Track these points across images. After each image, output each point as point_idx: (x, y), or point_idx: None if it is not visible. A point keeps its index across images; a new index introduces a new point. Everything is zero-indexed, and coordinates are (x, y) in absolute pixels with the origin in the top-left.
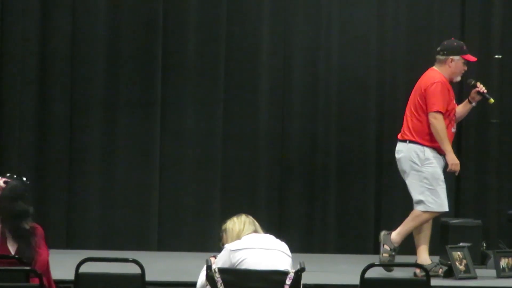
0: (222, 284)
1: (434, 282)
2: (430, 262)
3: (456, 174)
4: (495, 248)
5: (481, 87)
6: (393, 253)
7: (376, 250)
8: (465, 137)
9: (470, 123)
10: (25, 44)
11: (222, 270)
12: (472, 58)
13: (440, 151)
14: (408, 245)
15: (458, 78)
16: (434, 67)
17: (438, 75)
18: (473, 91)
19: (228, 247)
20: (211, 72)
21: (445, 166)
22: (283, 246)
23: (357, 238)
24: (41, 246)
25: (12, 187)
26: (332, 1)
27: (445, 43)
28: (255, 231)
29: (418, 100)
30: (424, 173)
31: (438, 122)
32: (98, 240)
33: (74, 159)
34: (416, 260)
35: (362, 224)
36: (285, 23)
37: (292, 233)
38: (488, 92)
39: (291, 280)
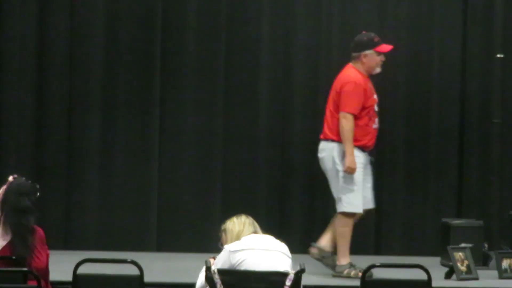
0: (221, 285)
1: (435, 282)
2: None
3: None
4: (497, 249)
5: None
6: (358, 267)
7: (376, 250)
8: (467, 137)
9: (472, 123)
10: (23, 45)
11: (221, 271)
12: (385, 49)
13: (363, 148)
14: (408, 245)
15: (378, 70)
16: (350, 64)
17: (354, 73)
18: None
19: (227, 248)
20: (211, 72)
21: (369, 162)
22: (283, 247)
23: (357, 238)
24: (40, 250)
25: (21, 182)
26: (333, 0)
27: (356, 39)
28: (255, 232)
29: (335, 100)
30: (343, 172)
31: (346, 122)
32: (96, 241)
33: (72, 159)
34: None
35: (362, 224)
36: (285, 23)
37: (292, 233)
38: None
39: (291, 281)
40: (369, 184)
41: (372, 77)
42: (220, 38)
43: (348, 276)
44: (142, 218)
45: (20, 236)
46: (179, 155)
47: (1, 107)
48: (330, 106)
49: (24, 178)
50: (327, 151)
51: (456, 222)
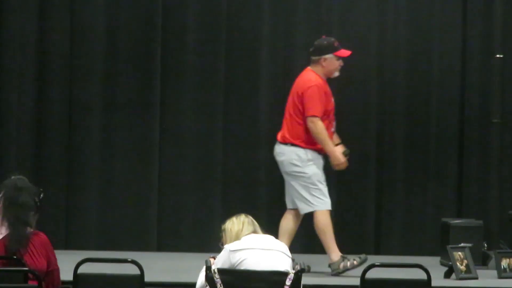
0: (221, 285)
1: (435, 282)
2: None
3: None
4: (496, 249)
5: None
6: (346, 258)
7: (377, 250)
8: (466, 137)
9: (472, 122)
10: (23, 44)
11: (221, 271)
12: (344, 53)
13: (320, 151)
14: (407, 245)
15: (336, 74)
16: (309, 67)
17: (314, 76)
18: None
19: (227, 247)
20: (211, 72)
21: (325, 165)
22: (283, 247)
23: (357, 238)
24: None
25: (22, 178)
26: (333, 1)
27: (316, 43)
28: (254, 231)
29: (296, 103)
30: (308, 173)
31: (315, 126)
32: (97, 241)
33: (73, 159)
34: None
35: (362, 224)
36: (285, 23)
37: None
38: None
39: (291, 281)
40: None
41: (372, 78)
42: (220, 38)
43: (346, 269)
44: (142, 218)
45: (15, 229)
46: (180, 155)
47: (1, 107)
48: (290, 109)
49: (26, 178)
50: (287, 155)
51: (456, 221)
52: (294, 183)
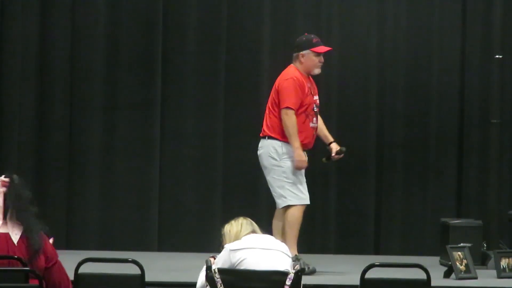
0: (222, 285)
1: (434, 282)
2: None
3: (303, 168)
4: (495, 248)
5: (335, 157)
6: (300, 260)
7: (376, 250)
8: (466, 137)
9: (471, 123)
10: (24, 44)
11: (221, 271)
12: (321, 49)
13: (302, 147)
14: (407, 245)
15: (317, 71)
16: (291, 64)
17: (292, 71)
18: (335, 154)
19: (228, 247)
20: (211, 72)
21: (328, 164)
22: (283, 247)
23: (357, 238)
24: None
25: (20, 178)
26: (333, 1)
27: (297, 39)
28: (253, 231)
29: (273, 97)
30: (283, 167)
31: (288, 118)
32: (97, 241)
33: (73, 159)
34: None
35: (362, 224)
36: (285, 23)
37: None
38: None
39: (291, 281)
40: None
41: (372, 78)
42: (221, 38)
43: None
44: (143, 218)
45: (31, 227)
46: (180, 154)
47: (2, 107)
48: (268, 103)
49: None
50: (264, 148)
51: (455, 221)
52: (269, 177)
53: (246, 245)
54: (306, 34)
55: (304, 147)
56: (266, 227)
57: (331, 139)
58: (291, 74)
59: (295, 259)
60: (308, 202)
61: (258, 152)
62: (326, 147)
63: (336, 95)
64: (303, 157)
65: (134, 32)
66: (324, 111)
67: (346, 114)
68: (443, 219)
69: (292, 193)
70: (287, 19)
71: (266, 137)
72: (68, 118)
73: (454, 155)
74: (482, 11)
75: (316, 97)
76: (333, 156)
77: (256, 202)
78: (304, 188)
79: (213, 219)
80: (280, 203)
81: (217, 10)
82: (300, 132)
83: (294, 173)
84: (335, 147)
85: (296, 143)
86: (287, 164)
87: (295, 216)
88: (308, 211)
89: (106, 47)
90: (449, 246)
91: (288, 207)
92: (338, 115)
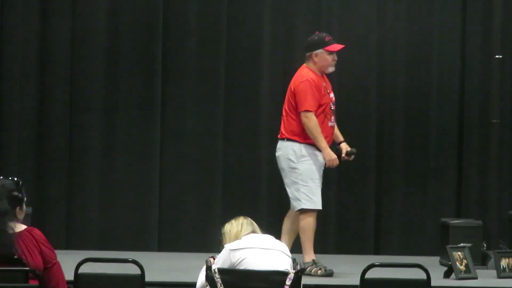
0: (221, 285)
1: (434, 282)
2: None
3: (334, 166)
4: (495, 249)
5: (344, 158)
6: (318, 264)
7: (376, 250)
8: (466, 138)
9: (471, 123)
10: (25, 43)
11: (221, 271)
12: (335, 48)
13: (318, 147)
14: (407, 245)
15: (331, 69)
16: (304, 64)
17: (306, 72)
18: (345, 155)
19: (228, 246)
20: (211, 72)
21: (323, 163)
22: (283, 247)
23: (357, 238)
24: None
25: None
26: (332, 1)
27: (308, 39)
28: (253, 231)
29: (289, 99)
30: (299, 169)
31: (309, 121)
32: (98, 241)
33: (73, 159)
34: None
35: (362, 224)
36: (285, 23)
37: None
38: (350, 159)
39: (291, 281)
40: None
41: (372, 78)
42: (221, 38)
43: (309, 274)
44: (143, 218)
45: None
46: (180, 155)
47: (3, 108)
48: (285, 106)
49: (1, 177)
50: (282, 150)
51: (455, 221)
52: (286, 179)
53: (246, 244)
54: (317, 32)
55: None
56: (266, 227)
57: (341, 138)
58: (305, 75)
59: (312, 264)
60: (320, 207)
61: (276, 154)
62: (335, 146)
63: (336, 95)
64: (332, 155)
65: (134, 32)
66: None
67: (346, 114)
68: (443, 219)
69: (306, 197)
70: (287, 19)
71: (285, 139)
72: (68, 118)
73: (454, 155)
74: (482, 11)
75: (332, 95)
76: (343, 157)
77: (256, 202)
78: (317, 191)
79: (213, 219)
80: (296, 205)
81: (217, 10)
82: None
83: (310, 177)
84: (345, 147)
85: (323, 143)
86: (304, 166)
87: (308, 222)
88: None
89: (106, 47)
90: (449, 246)
91: (301, 211)
92: (338, 115)
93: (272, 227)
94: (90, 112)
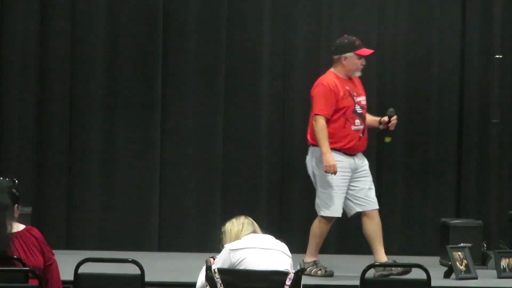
0: (221, 285)
1: (434, 282)
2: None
3: (332, 173)
4: (495, 249)
5: (393, 124)
6: (318, 264)
7: None
8: (465, 137)
9: (471, 123)
10: (25, 44)
11: (221, 271)
12: (365, 52)
13: (347, 151)
14: (407, 245)
15: (357, 74)
16: (331, 69)
17: (328, 76)
18: (385, 119)
19: (228, 246)
20: (211, 72)
21: (355, 167)
22: (283, 247)
23: (357, 238)
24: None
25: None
26: (333, 1)
27: (337, 41)
28: (254, 231)
29: (311, 104)
30: (320, 176)
31: (316, 124)
32: (97, 241)
33: (73, 159)
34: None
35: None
36: (285, 23)
37: (292, 233)
38: (393, 132)
39: (291, 281)
40: (365, 186)
41: (372, 78)
42: (221, 38)
43: (309, 274)
44: (143, 218)
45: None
46: (180, 155)
47: (2, 107)
48: (311, 111)
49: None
50: (309, 155)
51: (455, 221)
52: (314, 182)
53: (246, 244)
54: (346, 35)
55: (349, 151)
56: (266, 227)
57: (377, 118)
58: (322, 80)
59: (313, 264)
60: (339, 215)
61: (306, 160)
62: (379, 128)
63: None
64: (330, 161)
65: (135, 32)
66: None
67: None
68: (443, 219)
69: (325, 203)
70: (287, 19)
71: (311, 145)
72: (68, 118)
73: (454, 155)
74: (482, 11)
75: (360, 98)
76: (389, 125)
77: (256, 202)
78: (337, 198)
79: (213, 219)
80: (317, 210)
81: (217, 10)
82: (342, 136)
83: (330, 183)
84: (384, 118)
85: (324, 147)
86: (324, 173)
87: (321, 228)
88: (309, 211)
89: (106, 47)
90: (449, 246)
91: (317, 217)
92: None
93: (271, 227)
94: (90, 112)
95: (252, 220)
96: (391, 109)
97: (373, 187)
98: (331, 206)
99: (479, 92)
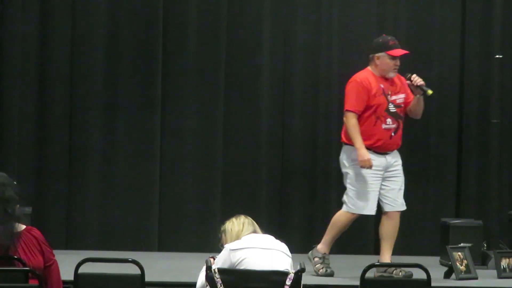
0: (221, 285)
1: (434, 282)
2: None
3: (368, 168)
4: (495, 249)
5: (416, 80)
6: (325, 261)
7: (376, 251)
8: (465, 137)
9: (471, 123)
10: (25, 43)
11: (221, 271)
12: (397, 53)
13: (376, 150)
14: (407, 245)
15: (392, 74)
16: (368, 66)
17: (362, 73)
18: (410, 84)
19: (228, 246)
20: (211, 72)
21: (386, 165)
22: (283, 247)
23: (357, 238)
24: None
25: (3, 174)
26: (333, 1)
27: (373, 41)
28: (254, 231)
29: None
30: (350, 173)
31: (347, 121)
32: (97, 240)
33: (74, 159)
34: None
35: (362, 224)
36: (285, 23)
37: (292, 233)
38: (426, 84)
39: (291, 281)
40: (396, 186)
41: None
42: (221, 38)
43: (313, 266)
44: (143, 218)
45: (5, 225)
46: (180, 155)
47: (2, 108)
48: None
49: (4, 174)
50: (341, 153)
51: (455, 221)
52: (344, 180)
53: (246, 244)
54: (384, 35)
55: (378, 149)
56: (266, 227)
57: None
58: (356, 76)
59: (321, 257)
60: (367, 212)
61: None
62: (416, 94)
63: (336, 95)
64: (365, 156)
65: (134, 31)
66: (325, 111)
67: None
68: (443, 219)
69: (352, 200)
70: (287, 19)
71: (343, 143)
72: (68, 118)
73: (454, 155)
74: (482, 11)
75: (395, 97)
76: (415, 83)
77: (256, 202)
78: (366, 196)
79: (213, 219)
80: (343, 206)
81: (217, 10)
82: (371, 134)
83: (359, 181)
84: (408, 84)
85: (357, 143)
86: (354, 171)
87: (343, 222)
88: (309, 211)
89: (106, 47)
90: (449, 246)
91: (340, 211)
92: (338, 115)
93: (271, 227)
94: (90, 112)
95: (252, 220)
96: (406, 74)
97: (403, 187)
98: (358, 203)
99: (479, 92)
